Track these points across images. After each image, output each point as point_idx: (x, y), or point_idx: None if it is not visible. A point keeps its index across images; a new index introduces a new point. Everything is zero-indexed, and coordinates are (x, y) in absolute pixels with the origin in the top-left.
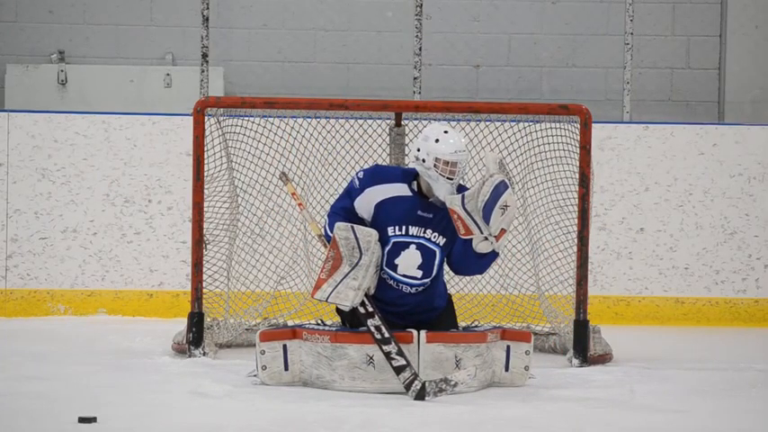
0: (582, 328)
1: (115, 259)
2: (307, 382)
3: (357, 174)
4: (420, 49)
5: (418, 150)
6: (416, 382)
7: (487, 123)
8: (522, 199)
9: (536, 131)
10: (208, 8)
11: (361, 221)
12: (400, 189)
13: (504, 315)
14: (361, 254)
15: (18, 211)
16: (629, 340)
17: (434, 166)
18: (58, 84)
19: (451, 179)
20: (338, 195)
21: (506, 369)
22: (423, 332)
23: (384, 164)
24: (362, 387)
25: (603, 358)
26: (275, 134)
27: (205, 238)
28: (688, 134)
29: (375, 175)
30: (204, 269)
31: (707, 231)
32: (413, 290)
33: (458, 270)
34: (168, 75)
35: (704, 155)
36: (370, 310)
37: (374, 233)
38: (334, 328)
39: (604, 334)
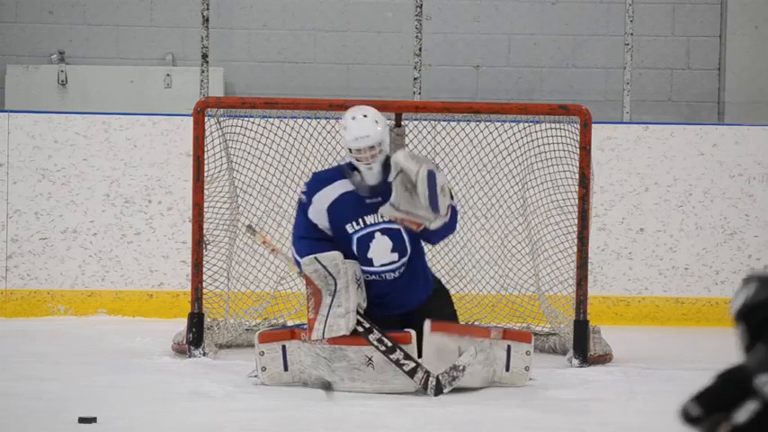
0: (582, 329)
1: (115, 260)
2: (306, 382)
3: (300, 190)
4: (420, 49)
5: (342, 138)
6: (431, 379)
7: (487, 124)
8: (522, 199)
9: (536, 132)
10: (208, 8)
11: (322, 232)
12: (341, 186)
13: (504, 315)
14: (334, 279)
15: (18, 211)
16: (629, 340)
17: (350, 154)
18: (58, 84)
19: (368, 164)
20: (294, 221)
21: (507, 369)
22: (427, 322)
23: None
24: (362, 388)
25: (603, 358)
26: (275, 134)
27: (205, 239)
28: (688, 134)
29: (316, 183)
30: (204, 269)
31: (707, 232)
32: (396, 273)
33: (433, 242)
34: (168, 75)
35: (704, 155)
36: (367, 326)
37: (338, 254)
38: None
39: (604, 334)
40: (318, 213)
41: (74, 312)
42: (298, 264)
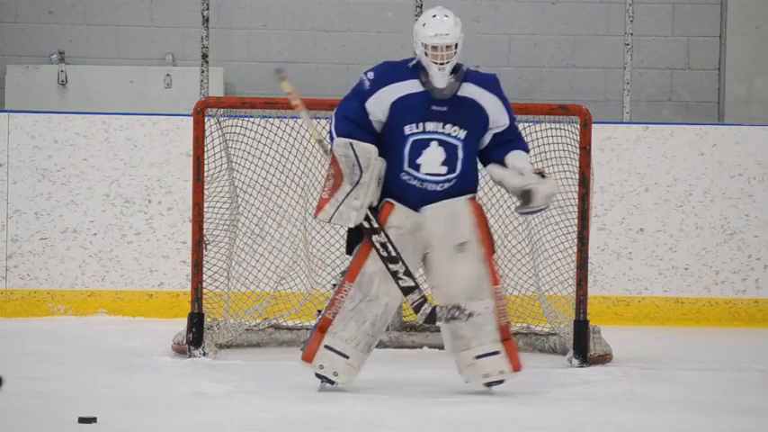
0: (582, 329)
1: (115, 260)
2: (371, 343)
3: (366, 74)
4: None
5: (415, 36)
6: (426, 305)
7: None
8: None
9: (536, 132)
10: (208, 8)
11: (369, 125)
12: (412, 86)
13: None
14: (361, 171)
15: (18, 211)
16: (629, 340)
17: (424, 52)
18: (58, 84)
19: (442, 64)
20: (344, 97)
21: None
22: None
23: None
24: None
25: (603, 358)
26: (275, 134)
27: (205, 239)
28: (688, 134)
29: (386, 74)
30: (204, 269)
31: (707, 232)
32: (438, 187)
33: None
34: (168, 75)
35: (704, 155)
36: (375, 225)
37: (373, 149)
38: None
39: (604, 334)
40: (379, 105)
41: (74, 312)
42: (331, 138)
